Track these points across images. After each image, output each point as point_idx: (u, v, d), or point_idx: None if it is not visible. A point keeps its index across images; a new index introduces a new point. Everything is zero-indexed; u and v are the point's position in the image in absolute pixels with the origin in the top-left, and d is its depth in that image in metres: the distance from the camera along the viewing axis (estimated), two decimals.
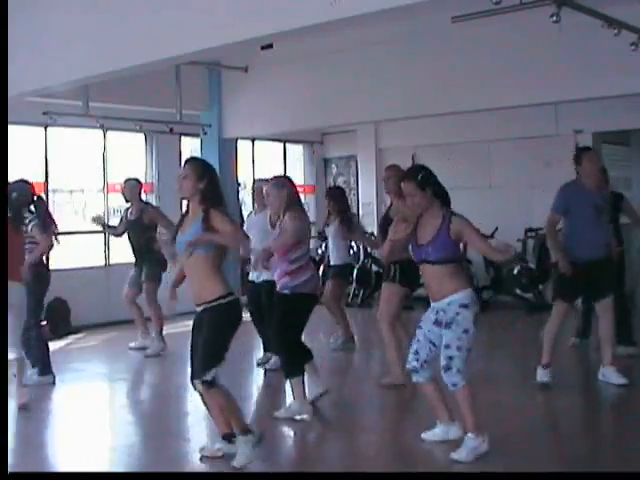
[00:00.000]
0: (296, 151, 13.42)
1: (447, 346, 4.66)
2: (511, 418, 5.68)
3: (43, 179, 9.81)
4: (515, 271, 10.56)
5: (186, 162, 4.78)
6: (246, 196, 11.58)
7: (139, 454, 5.24)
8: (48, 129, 9.73)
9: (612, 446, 5.17)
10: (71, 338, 9.30)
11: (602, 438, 5.36)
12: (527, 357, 7.22)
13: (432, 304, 4.81)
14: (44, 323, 9.33)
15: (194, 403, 6.73)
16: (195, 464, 4.90)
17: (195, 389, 4.64)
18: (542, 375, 6.30)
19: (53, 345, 8.95)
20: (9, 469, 4.22)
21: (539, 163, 10.74)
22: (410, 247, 4.87)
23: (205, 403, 4.73)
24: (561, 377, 6.41)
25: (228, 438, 4.71)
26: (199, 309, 4.59)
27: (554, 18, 5.44)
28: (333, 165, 13.37)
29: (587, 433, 5.48)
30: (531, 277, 10.56)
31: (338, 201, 8.13)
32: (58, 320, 9.41)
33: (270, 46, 7.98)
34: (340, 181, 13.08)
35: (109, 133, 10.38)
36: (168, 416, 6.23)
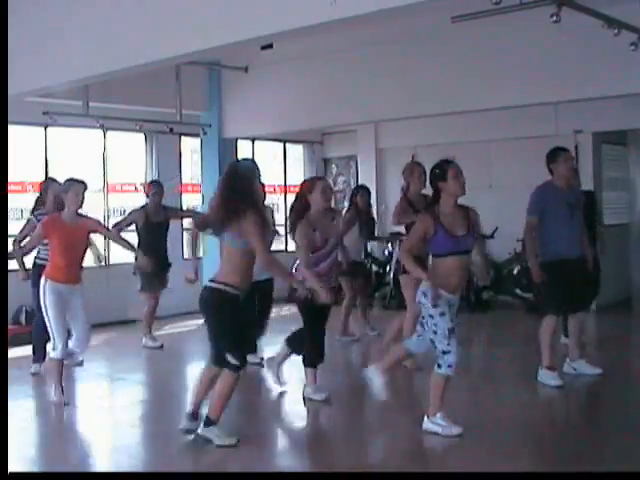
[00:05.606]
0: (296, 151, 13.41)
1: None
2: (511, 418, 5.68)
3: (43, 179, 9.80)
4: (515, 271, 10.56)
5: None
6: None
7: (139, 454, 5.25)
8: (48, 129, 9.74)
9: (613, 444, 5.15)
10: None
11: (604, 436, 5.35)
12: (527, 357, 7.21)
13: (449, 297, 4.96)
14: None
15: None
16: (195, 464, 4.90)
17: None
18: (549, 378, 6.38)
19: None
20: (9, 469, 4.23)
21: (539, 163, 10.71)
22: (438, 239, 4.97)
23: None
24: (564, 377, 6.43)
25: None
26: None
27: (554, 18, 5.44)
28: (333, 165, 13.36)
29: (589, 432, 5.48)
30: (531, 277, 10.53)
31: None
32: None
33: (270, 46, 7.98)
34: (340, 181, 13.09)
35: (109, 133, 10.39)
36: (168, 416, 6.22)
